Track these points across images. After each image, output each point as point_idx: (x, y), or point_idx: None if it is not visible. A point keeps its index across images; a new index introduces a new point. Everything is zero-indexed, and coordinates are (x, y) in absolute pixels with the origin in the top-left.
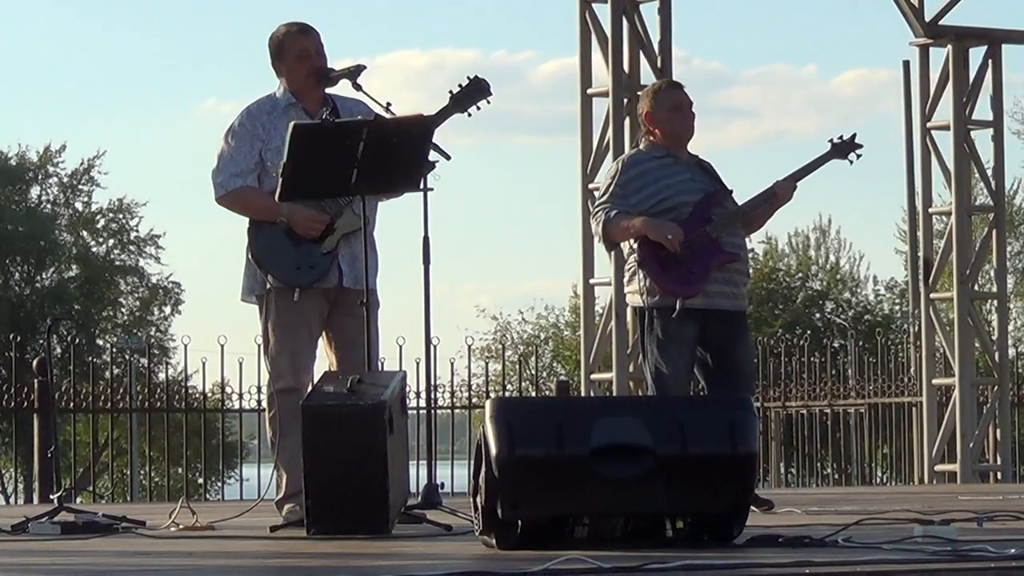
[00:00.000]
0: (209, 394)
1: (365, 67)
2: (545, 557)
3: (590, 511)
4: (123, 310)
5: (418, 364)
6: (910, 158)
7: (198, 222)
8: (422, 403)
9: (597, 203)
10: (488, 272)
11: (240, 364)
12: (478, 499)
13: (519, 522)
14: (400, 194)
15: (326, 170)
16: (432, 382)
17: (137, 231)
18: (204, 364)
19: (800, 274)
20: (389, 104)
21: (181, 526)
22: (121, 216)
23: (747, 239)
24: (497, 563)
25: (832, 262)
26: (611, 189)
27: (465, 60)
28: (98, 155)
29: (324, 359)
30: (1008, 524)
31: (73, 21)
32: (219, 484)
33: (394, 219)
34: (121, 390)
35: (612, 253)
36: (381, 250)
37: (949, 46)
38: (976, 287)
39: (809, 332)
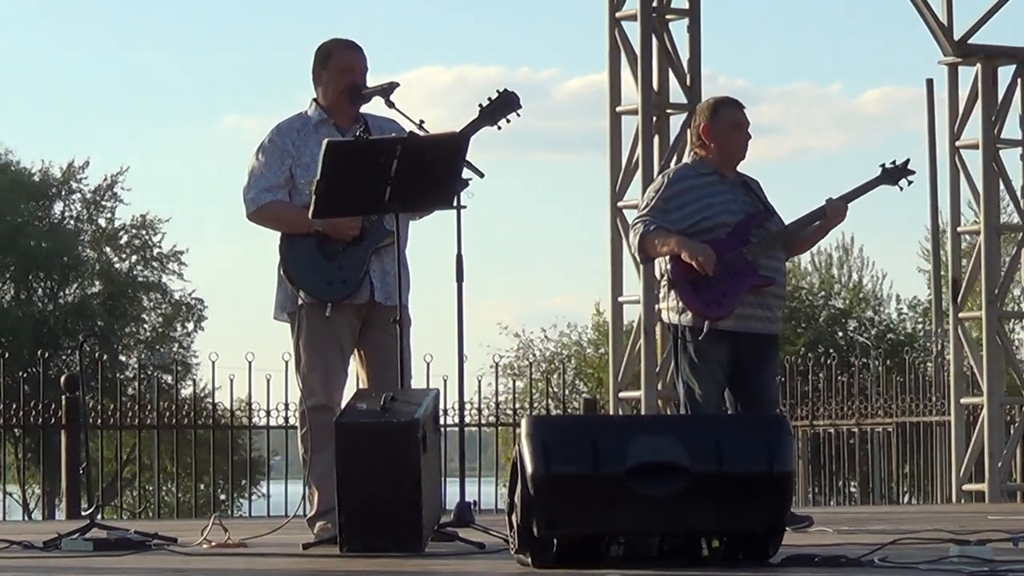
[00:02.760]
0: (235, 411)
1: (398, 84)
2: None
3: (626, 530)
4: (146, 326)
5: (446, 381)
6: (934, 176)
7: (221, 239)
8: (450, 420)
9: (637, 215)
10: (510, 289)
11: (268, 381)
12: (513, 517)
13: (555, 540)
14: (431, 212)
15: (360, 187)
16: (463, 399)
17: (160, 247)
18: (232, 381)
19: (823, 293)
20: (422, 121)
21: (213, 543)
22: (144, 232)
23: (786, 262)
24: None
25: (855, 281)
26: (653, 203)
27: (489, 77)
28: (121, 171)
29: (354, 376)
30: None
31: (96, 39)
32: (242, 500)
33: (421, 235)
34: (148, 407)
35: (641, 271)
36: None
37: (978, 65)
38: (1002, 306)
39: (832, 351)
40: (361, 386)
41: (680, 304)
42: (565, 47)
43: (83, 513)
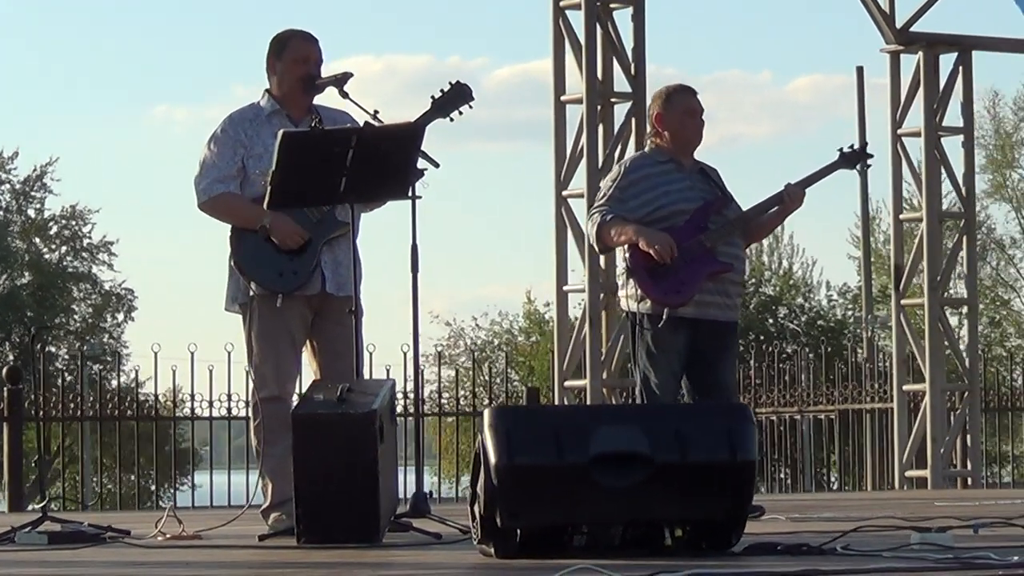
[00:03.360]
0: (165, 401)
1: (352, 75)
2: (545, 566)
3: (589, 520)
4: (76, 317)
5: (388, 370)
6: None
7: (152, 229)
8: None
9: (595, 205)
10: (441, 278)
11: (211, 372)
12: (476, 507)
13: (518, 531)
14: (385, 202)
15: (314, 178)
16: (420, 389)
17: (90, 238)
18: (175, 372)
19: (753, 280)
20: (376, 112)
21: (168, 535)
22: (74, 223)
23: (745, 249)
24: (497, 572)
25: (785, 268)
26: (610, 192)
27: (418, 66)
28: (50, 162)
29: (306, 368)
30: (1002, 531)
31: (24, 29)
32: (174, 491)
33: (369, 224)
34: (78, 398)
35: (587, 260)
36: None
37: (920, 52)
38: (944, 293)
39: (763, 337)
40: (314, 377)
41: (639, 292)
42: (494, 36)
43: (36, 507)
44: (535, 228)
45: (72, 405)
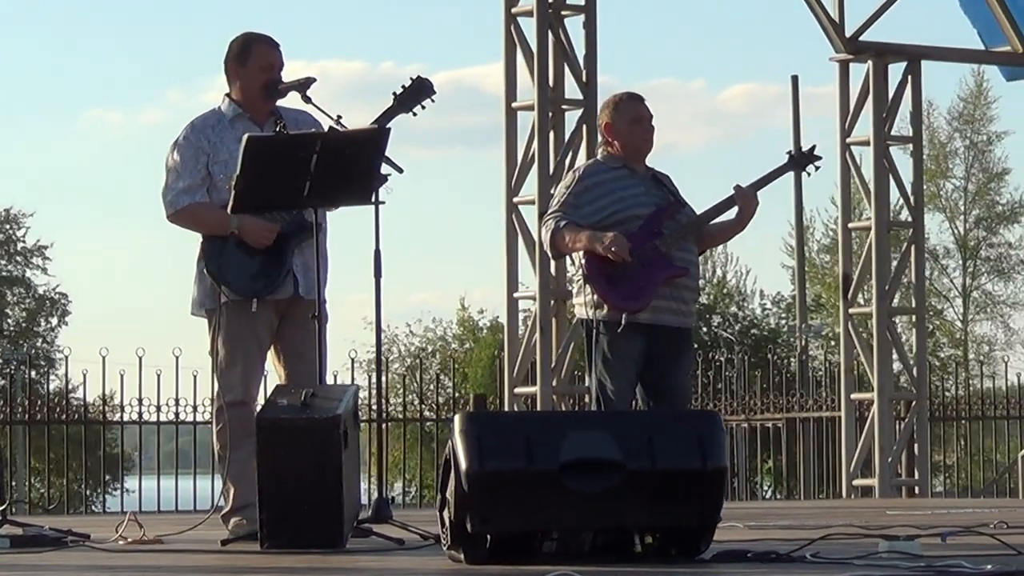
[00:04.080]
0: (96, 406)
1: (315, 79)
2: (514, 572)
3: (559, 526)
4: (9, 321)
5: (336, 376)
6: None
7: (86, 233)
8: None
9: (549, 212)
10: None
11: (158, 376)
12: (446, 513)
13: (488, 537)
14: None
15: (279, 182)
16: (381, 395)
17: (24, 241)
18: (123, 376)
19: None
20: (340, 116)
21: (129, 539)
22: (8, 227)
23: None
24: None
25: (719, 276)
26: (564, 198)
27: (352, 71)
28: None
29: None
30: (968, 540)
31: None
32: (103, 496)
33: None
34: (8, 402)
35: (537, 267)
36: None
37: (869, 62)
38: (891, 303)
39: (696, 346)
40: (278, 382)
41: (595, 299)
42: (429, 42)
43: None
44: (471, 236)
45: (8, 409)
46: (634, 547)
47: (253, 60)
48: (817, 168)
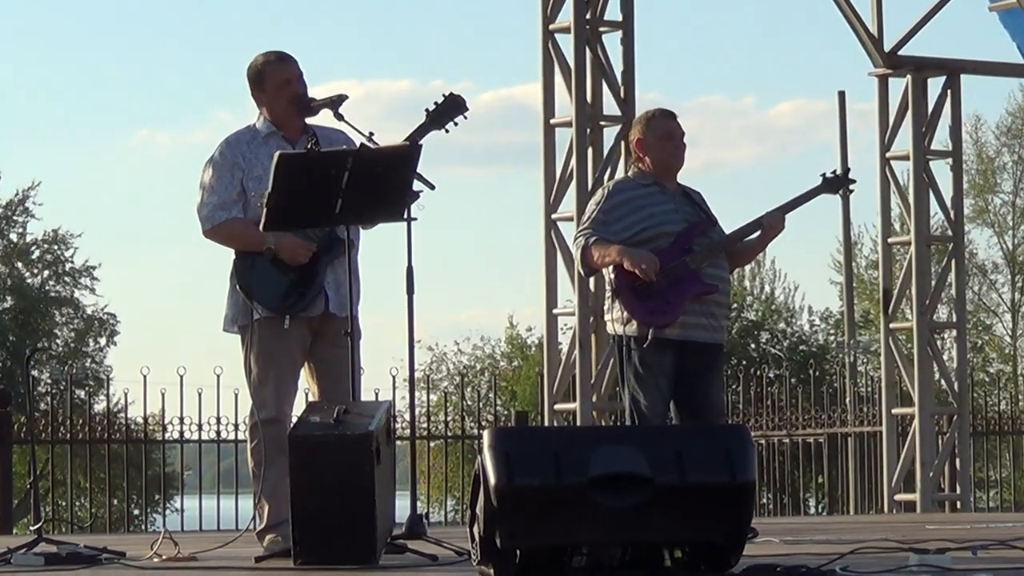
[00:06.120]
0: (155, 425)
1: (347, 96)
2: None
3: (588, 541)
4: (58, 341)
5: (377, 394)
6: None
7: (135, 253)
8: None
9: (579, 229)
10: (423, 302)
11: (200, 395)
12: (476, 529)
13: (518, 552)
14: (380, 224)
15: (311, 200)
16: (415, 412)
17: (72, 262)
18: (163, 395)
19: (735, 305)
20: (372, 133)
21: (164, 557)
22: (56, 247)
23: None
24: None
25: (767, 292)
26: (594, 215)
27: (400, 90)
28: (32, 186)
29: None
30: (1000, 553)
31: (7, 54)
32: (155, 515)
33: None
34: (64, 422)
35: (576, 284)
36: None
37: (908, 76)
38: (932, 317)
39: (745, 362)
40: (311, 399)
41: (624, 314)
42: (478, 61)
43: (31, 528)
44: (517, 253)
45: (62, 428)
46: (664, 562)
47: (268, 81)
48: (851, 191)
